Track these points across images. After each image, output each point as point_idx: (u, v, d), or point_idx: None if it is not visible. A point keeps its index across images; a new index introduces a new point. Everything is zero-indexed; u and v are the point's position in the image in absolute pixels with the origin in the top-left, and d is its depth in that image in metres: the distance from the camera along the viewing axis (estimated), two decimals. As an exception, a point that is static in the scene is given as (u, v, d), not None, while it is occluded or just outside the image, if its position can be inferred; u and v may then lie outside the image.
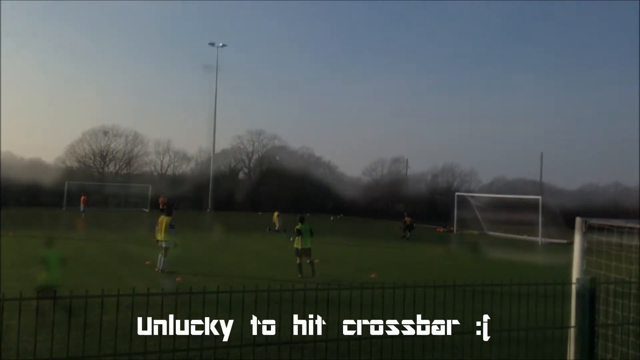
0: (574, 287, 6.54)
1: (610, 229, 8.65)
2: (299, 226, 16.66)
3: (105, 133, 65.91)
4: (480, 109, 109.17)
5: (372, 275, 16.69)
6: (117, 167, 68.07)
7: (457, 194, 44.47)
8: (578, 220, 7.68)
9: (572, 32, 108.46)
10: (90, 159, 66.70)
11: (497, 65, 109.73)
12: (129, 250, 20.63)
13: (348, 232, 35.16)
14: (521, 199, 39.33)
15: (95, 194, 60.66)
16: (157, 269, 15.88)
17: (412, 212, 35.37)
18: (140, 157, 68.70)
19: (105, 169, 67.21)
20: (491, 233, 39.75)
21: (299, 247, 16.31)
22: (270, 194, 73.87)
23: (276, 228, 32.23)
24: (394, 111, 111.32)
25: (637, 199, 68.61)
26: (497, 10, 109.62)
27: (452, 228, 41.95)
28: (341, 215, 57.48)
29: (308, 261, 16.12)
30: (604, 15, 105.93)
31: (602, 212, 54.07)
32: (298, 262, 16.32)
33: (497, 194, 47.99)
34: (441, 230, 41.83)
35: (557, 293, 7.59)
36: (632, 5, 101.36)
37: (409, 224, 32.73)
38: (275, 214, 33.11)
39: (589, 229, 7.71)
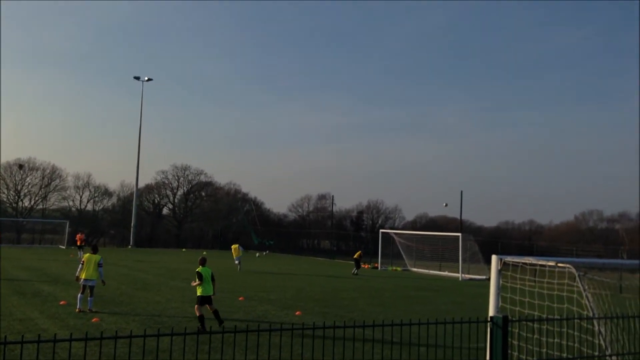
0: (488, 325, 6.72)
1: (524, 266, 9.00)
2: (199, 269, 13.68)
3: (21, 166, 62.98)
4: (404, 147, 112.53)
5: (297, 313, 16.56)
6: (33, 201, 65.03)
7: (381, 230, 45.18)
8: (494, 258, 7.91)
9: (490, 75, 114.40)
10: (4, 193, 63.42)
11: (422, 106, 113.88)
12: (43, 290, 19.57)
13: (274, 269, 34.89)
14: (442, 235, 40.45)
15: (8, 230, 57.55)
16: (77, 310, 15.09)
17: (339, 249, 35.47)
18: (58, 191, 65.98)
19: (20, 203, 63.99)
20: (414, 269, 40.50)
21: (202, 294, 13.45)
22: (195, 230, 72.50)
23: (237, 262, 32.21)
24: (321, 148, 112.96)
25: (550, 237, 71.97)
26: (423, 51, 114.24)
27: (376, 265, 42.46)
28: (267, 252, 57.06)
29: (212, 310, 13.67)
30: (527, 60, 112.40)
31: (518, 249, 56.38)
32: (199, 314, 13.33)
33: (420, 230, 49.14)
34: (366, 266, 42.24)
35: (473, 330, 7.80)
36: (546, 52, 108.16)
37: (356, 258, 34.15)
38: (235, 246, 32.75)
39: (504, 265, 7.96)
